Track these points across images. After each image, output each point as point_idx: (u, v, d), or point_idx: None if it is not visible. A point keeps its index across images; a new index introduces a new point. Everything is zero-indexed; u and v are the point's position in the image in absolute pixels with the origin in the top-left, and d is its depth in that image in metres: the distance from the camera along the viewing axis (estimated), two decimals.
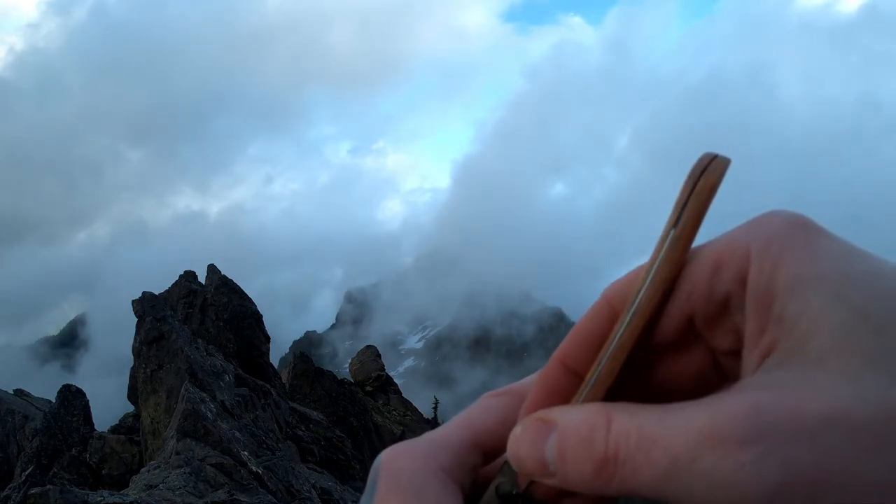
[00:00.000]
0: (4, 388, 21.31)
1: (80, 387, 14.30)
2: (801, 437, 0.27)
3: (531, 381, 0.41)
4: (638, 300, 0.35)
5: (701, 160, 0.33)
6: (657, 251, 0.34)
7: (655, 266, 0.34)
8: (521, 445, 0.35)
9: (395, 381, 32.48)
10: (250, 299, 19.45)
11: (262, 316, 19.17)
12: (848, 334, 0.29)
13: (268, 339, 18.74)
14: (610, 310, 0.37)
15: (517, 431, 0.36)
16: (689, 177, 0.33)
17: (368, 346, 33.36)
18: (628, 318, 0.35)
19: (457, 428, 0.41)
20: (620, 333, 0.35)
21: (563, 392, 0.38)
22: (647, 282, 0.34)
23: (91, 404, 13.99)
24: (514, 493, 0.39)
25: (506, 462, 0.41)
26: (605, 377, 0.35)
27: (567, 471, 0.33)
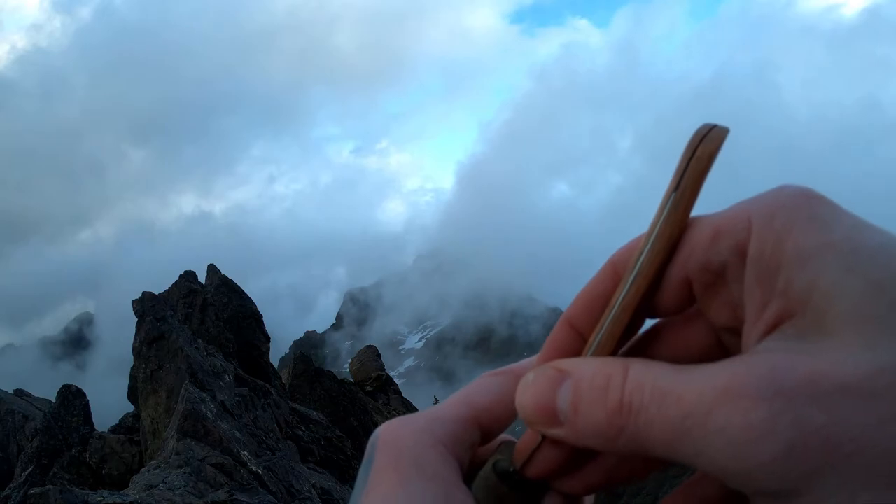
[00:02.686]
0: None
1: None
2: (815, 399, 0.27)
3: (530, 363, 0.41)
4: (640, 262, 0.34)
5: (699, 130, 0.33)
6: (658, 214, 0.34)
7: (657, 229, 0.34)
8: (532, 393, 0.35)
9: (396, 381, 32.46)
10: (250, 299, 19.43)
11: (262, 316, 19.16)
12: (863, 307, 0.28)
13: (268, 339, 18.72)
14: (615, 273, 0.36)
15: (528, 379, 0.36)
16: (689, 144, 0.33)
17: (368, 346, 33.32)
18: (631, 280, 0.35)
19: (455, 405, 0.41)
20: (623, 296, 0.35)
21: (570, 353, 0.37)
22: (649, 244, 0.34)
23: (98, 404, 13.97)
24: (511, 470, 0.39)
25: (503, 442, 0.42)
26: (607, 340, 0.35)
27: (579, 420, 0.33)
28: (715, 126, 0.33)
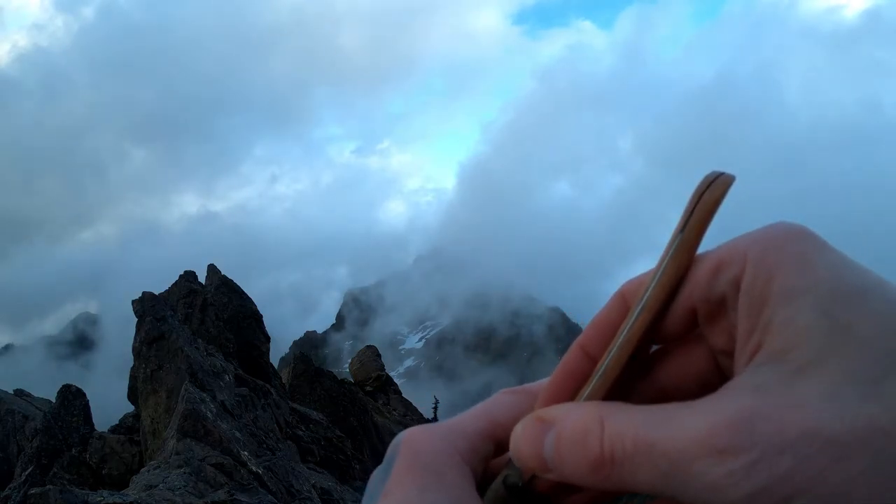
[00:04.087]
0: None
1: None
2: (783, 447, 0.31)
3: (544, 385, 0.43)
4: (646, 297, 0.38)
5: (707, 176, 0.37)
6: (665, 254, 0.37)
7: (662, 267, 0.37)
8: (521, 442, 0.38)
9: (395, 381, 32.47)
10: (250, 299, 19.44)
11: (262, 316, 19.17)
12: (829, 348, 0.32)
13: (268, 338, 18.73)
14: (624, 303, 0.40)
15: (518, 430, 0.38)
16: (697, 190, 0.37)
17: (368, 347, 33.34)
18: (636, 314, 0.38)
19: (474, 417, 0.44)
20: (629, 327, 0.38)
21: (581, 375, 0.40)
22: (655, 281, 0.38)
23: (102, 404, 13.95)
24: (520, 484, 0.41)
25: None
26: (612, 368, 0.38)
27: (564, 467, 0.36)
28: (722, 174, 0.37)
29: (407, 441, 0.42)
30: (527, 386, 0.45)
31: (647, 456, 0.33)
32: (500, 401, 0.44)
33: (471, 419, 0.43)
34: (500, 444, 0.43)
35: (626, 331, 0.38)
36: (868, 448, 0.30)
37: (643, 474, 0.33)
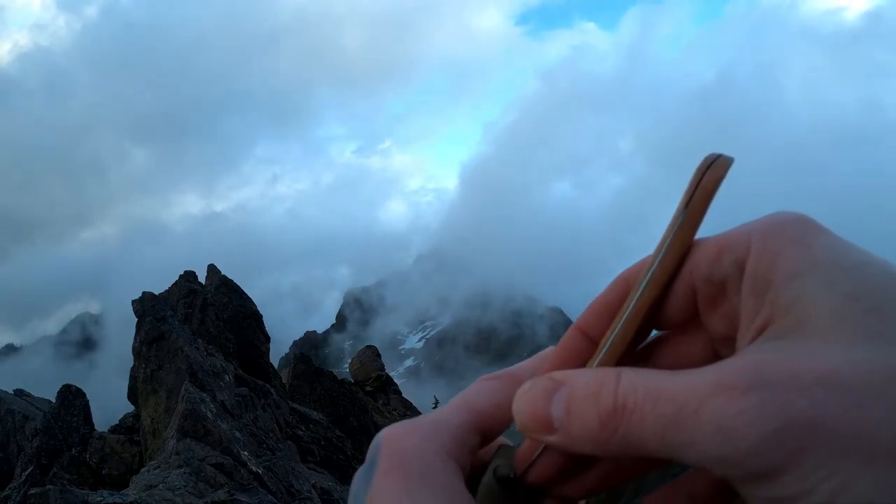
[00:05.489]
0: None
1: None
2: (798, 388, 0.30)
3: (526, 366, 0.43)
4: (651, 272, 0.38)
5: (707, 157, 0.37)
6: (668, 231, 0.38)
7: (667, 242, 0.38)
8: (527, 401, 0.36)
9: (395, 381, 32.47)
10: (250, 299, 19.43)
11: (262, 316, 19.15)
12: (841, 315, 0.32)
13: (268, 338, 18.72)
14: (625, 285, 0.39)
15: (525, 388, 0.37)
16: (698, 170, 0.37)
17: (368, 346, 33.32)
18: (641, 288, 0.38)
19: (456, 409, 0.41)
20: (634, 302, 0.38)
21: (580, 356, 0.39)
22: (660, 256, 0.38)
23: (102, 404, 13.94)
24: (511, 476, 0.40)
25: (500, 445, 0.43)
26: (618, 343, 0.38)
27: (572, 425, 0.34)
28: (721, 155, 0.37)
29: (388, 440, 0.39)
30: (508, 370, 0.43)
31: (656, 402, 0.32)
32: (481, 388, 0.42)
33: (452, 411, 0.41)
34: (484, 434, 0.41)
35: (632, 305, 0.38)
36: (889, 396, 0.30)
37: (650, 423, 0.32)
